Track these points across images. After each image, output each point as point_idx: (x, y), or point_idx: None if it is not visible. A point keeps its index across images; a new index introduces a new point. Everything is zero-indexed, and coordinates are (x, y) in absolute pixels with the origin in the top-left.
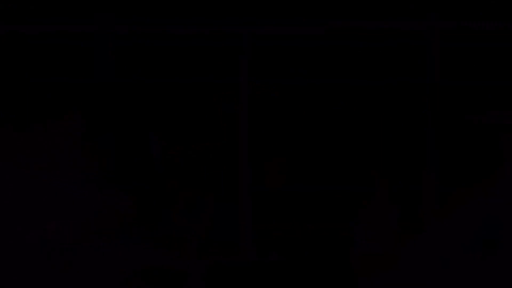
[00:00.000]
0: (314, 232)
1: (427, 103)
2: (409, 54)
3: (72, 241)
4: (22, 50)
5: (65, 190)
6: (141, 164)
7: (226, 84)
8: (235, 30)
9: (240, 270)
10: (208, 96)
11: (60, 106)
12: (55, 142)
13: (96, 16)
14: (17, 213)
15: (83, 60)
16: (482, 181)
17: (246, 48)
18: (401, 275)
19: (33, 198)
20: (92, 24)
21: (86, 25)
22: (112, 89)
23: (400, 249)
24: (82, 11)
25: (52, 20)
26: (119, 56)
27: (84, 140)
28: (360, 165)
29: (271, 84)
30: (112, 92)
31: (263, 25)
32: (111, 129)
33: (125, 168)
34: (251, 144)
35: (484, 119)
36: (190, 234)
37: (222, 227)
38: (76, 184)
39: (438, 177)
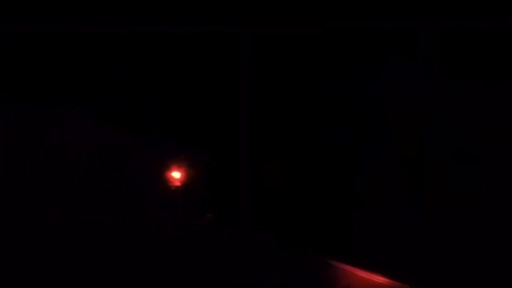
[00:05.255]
0: (314, 229)
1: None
2: (409, 54)
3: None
4: (22, 50)
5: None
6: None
7: (226, 82)
8: (235, 30)
9: None
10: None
11: (69, 99)
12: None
13: (96, 16)
14: (21, 209)
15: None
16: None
17: (246, 48)
18: (403, 274)
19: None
20: (92, 24)
21: (86, 25)
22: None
23: (403, 247)
24: (82, 11)
25: (52, 20)
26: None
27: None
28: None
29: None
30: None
31: (263, 25)
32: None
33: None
34: (251, 144)
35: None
36: None
37: (222, 227)
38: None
39: (439, 177)
